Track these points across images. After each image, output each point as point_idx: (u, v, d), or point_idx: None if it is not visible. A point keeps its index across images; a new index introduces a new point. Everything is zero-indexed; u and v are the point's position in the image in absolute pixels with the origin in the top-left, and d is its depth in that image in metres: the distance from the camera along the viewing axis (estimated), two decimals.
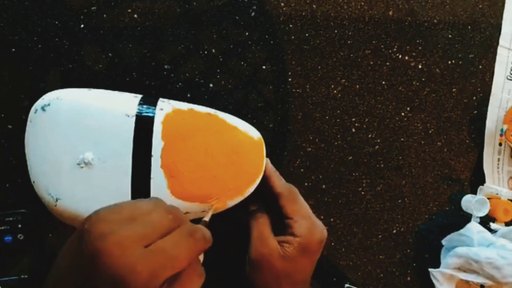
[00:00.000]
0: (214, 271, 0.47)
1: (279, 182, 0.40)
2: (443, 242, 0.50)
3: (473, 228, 0.47)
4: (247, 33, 0.46)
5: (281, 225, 0.40)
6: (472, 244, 0.47)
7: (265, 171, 0.40)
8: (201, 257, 0.33)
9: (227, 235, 0.46)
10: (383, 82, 0.50)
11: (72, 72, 0.43)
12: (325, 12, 0.47)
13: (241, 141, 0.39)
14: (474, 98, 0.52)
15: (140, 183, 0.36)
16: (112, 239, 0.23)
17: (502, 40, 0.52)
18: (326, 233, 0.40)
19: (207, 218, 0.34)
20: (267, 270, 0.38)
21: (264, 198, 0.41)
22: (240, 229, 0.47)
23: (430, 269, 0.48)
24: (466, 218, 0.50)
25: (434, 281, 0.48)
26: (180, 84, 0.45)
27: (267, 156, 0.41)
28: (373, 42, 0.49)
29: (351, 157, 0.50)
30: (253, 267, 0.39)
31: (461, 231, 0.48)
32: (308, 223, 0.39)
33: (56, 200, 0.37)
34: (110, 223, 0.24)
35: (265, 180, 0.40)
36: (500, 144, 0.53)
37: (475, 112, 0.52)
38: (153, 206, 0.27)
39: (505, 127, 0.51)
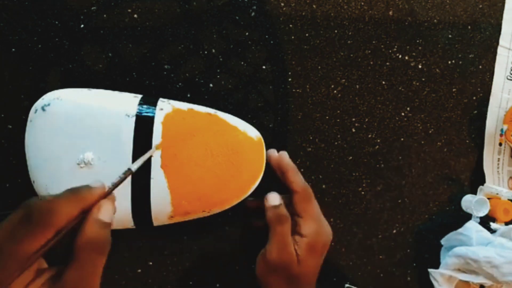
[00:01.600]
0: (212, 267, 0.47)
1: (295, 179, 0.40)
2: (442, 241, 0.50)
3: (472, 227, 0.47)
4: (247, 33, 0.46)
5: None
6: (471, 243, 0.47)
7: (281, 166, 0.40)
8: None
9: (226, 234, 0.46)
10: (383, 82, 0.50)
11: (72, 72, 0.43)
12: (325, 12, 0.47)
13: (241, 141, 0.39)
14: (474, 98, 0.52)
15: (140, 183, 0.36)
16: None
17: (502, 40, 0.52)
18: (331, 237, 0.41)
19: (135, 166, 0.35)
20: (282, 273, 0.39)
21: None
22: (239, 227, 0.47)
23: (429, 270, 0.48)
24: (466, 218, 0.50)
25: (434, 282, 0.48)
26: (180, 84, 0.45)
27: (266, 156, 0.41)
28: (373, 42, 0.49)
29: (351, 157, 0.50)
30: (268, 267, 0.39)
31: (460, 230, 0.48)
32: (316, 225, 0.40)
33: None
34: None
35: (282, 174, 0.41)
36: (500, 144, 0.53)
37: (475, 112, 0.52)
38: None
39: (505, 127, 0.51)
